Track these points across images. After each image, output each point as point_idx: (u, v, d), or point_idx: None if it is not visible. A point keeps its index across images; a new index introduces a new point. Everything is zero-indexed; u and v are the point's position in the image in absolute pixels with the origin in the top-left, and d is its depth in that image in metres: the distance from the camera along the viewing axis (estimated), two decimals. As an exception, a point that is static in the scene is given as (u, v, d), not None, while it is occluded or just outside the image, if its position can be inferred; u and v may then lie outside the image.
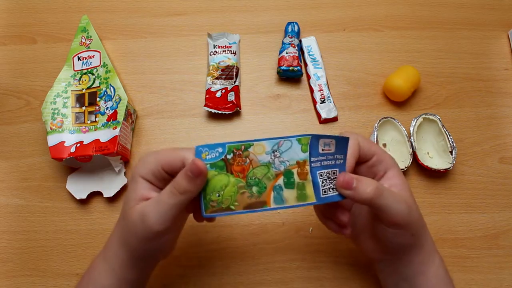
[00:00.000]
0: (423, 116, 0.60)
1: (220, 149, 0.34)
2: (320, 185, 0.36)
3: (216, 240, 0.57)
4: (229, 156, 0.34)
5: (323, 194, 0.36)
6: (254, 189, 0.35)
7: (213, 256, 0.56)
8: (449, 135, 0.59)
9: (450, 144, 0.59)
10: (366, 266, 0.55)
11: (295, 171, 0.35)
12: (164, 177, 0.36)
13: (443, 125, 0.60)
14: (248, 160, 0.34)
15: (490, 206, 0.59)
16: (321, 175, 0.36)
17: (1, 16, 0.70)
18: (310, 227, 0.57)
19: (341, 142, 0.36)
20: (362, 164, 0.39)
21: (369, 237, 0.41)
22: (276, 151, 0.35)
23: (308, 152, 0.35)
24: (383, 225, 0.37)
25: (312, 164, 0.36)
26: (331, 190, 0.36)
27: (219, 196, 0.34)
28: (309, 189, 0.35)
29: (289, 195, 0.35)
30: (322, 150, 0.36)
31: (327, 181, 0.36)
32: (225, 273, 0.55)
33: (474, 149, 0.62)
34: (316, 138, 0.35)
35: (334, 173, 0.36)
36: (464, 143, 0.63)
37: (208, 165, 0.34)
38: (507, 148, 0.63)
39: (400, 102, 0.65)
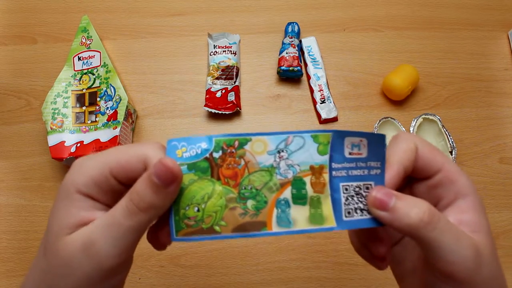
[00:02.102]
0: (423, 116, 0.60)
1: (204, 144, 0.24)
2: (343, 203, 0.26)
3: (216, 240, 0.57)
4: (216, 155, 0.24)
5: (346, 216, 0.25)
6: (250, 203, 0.25)
7: (213, 256, 0.56)
8: (449, 135, 0.59)
9: (450, 144, 0.59)
10: (366, 266, 0.55)
11: (307, 179, 0.25)
12: (114, 188, 0.24)
13: (443, 125, 0.60)
14: (243, 162, 0.25)
15: (490, 206, 0.59)
16: (346, 189, 0.26)
17: (1, 16, 0.70)
18: (310, 227, 0.57)
19: (376, 142, 0.26)
20: (420, 182, 0.27)
21: (417, 285, 0.28)
22: (282, 151, 0.25)
23: (328, 155, 0.26)
24: (432, 274, 0.25)
25: (334, 173, 0.26)
26: (359, 211, 0.26)
27: (198, 211, 0.24)
28: (327, 208, 0.25)
29: (299, 214, 0.25)
30: (350, 153, 0.26)
31: (355, 198, 0.26)
32: (225, 273, 0.55)
33: (474, 149, 0.62)
34: (340, 135, 0.25)
35: (367, 188, 0.26)
36: (464, 143, 0.63)
37: (185, 166, 0.24)
38: (507, 148, 0.63)
39: (400, 102, 0.65)
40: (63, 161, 0.55)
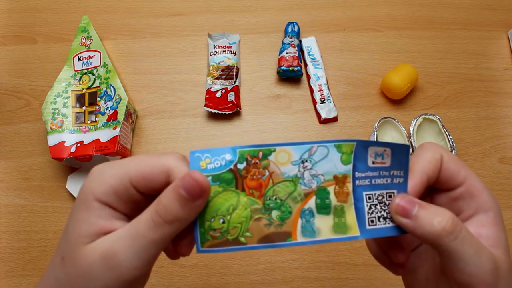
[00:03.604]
0: (423, 116, 0.60)
1: (228, 156, 0.24)
2: (366, 212, 0.26)
3: (216, 240, 0.57)
4: (240, 166, 0.25)
5: (369, 225, 0.26)
6: (275, 214, 0.25)
7: (213, 256, 0.56)
8: (449, 135, 0.59)
9: (450, 144, 0.59)
10: (366, 266, 0.55)
11: (331, 189, 0.26)
12: (134, 198, 0.24)
13: (443, 125, 0.60)
14: (267, 173, 0.25)
15: (490, 206, 0.59)
16: (369, 198, 0.26)
17: (1, 16, 0.70)
18: (310, 227, 0.57)
19: (400, 152, 0.26)
20: (441, 192, 0.27)
21: None
22: (306, 161, 0.25)
23: (352, 164, 0.26)
24: (448, 284, 0.25)
25: (357, 182, 0.26)
26: (382, 220, 0.26)
27: (224, 222, 0.25)
28: (351, 217, 0.26)
29: (323, 224, 0.25)
30: (373, 163, 0.26)
31: (378, 206, 0.26)
32: (225, 273, 0.55)
33: (474, 149, 0.62)
34: (363, 145, 0.26)
35: (390, 196, 0.26)
36: (464, 143, 0.63)
37: (210, 178, 0.24)
38: (507, 148, 0.63)
39: (400, 102, 0.65)
40: (63, 161, 0.56)
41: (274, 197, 0.25)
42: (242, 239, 0.25)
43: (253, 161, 0.25)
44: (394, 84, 0.61)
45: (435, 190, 0.28)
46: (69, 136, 0.57)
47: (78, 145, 0.56)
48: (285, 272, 0.55)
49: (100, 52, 0.63)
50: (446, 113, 0.64)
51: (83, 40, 0.64)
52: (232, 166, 0.25)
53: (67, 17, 0.70)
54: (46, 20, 0.70)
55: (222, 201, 0.25)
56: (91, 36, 0.64)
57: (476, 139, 0.63)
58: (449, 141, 0.59)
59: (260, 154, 0.25)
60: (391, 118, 0.61)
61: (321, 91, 0.64)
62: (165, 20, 0.70)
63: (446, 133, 0.60)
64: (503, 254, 0.25)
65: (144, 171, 0.23)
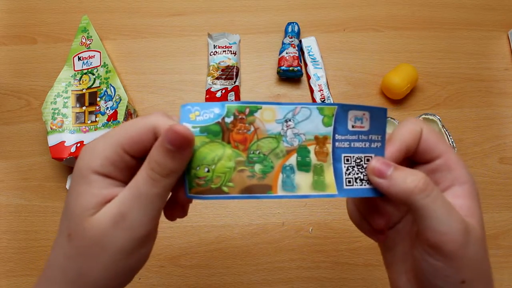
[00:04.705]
0: (423, 116, 0.60)
1: (216, 110, 0.26)
2: (344, 172, 0.27)
3: (216, 240, 0.57)
4: (228, 120, 0.26)
5: (347, 185, 0.27)
6: (257, 167, 0.26)
7: (213, 256, 0.56)
8: (449, 135, 0.59)
9: (450, 144, 0.59)
10: (366, 266, 0.55)
11: (312, 148, 0.27)
12: (129, 164, 0.25)
13: (443, 125, 0.60)
14: (252, 128, 0.26)
15: (490, 206, 0.59)
16: (347, 160, 0.28)
17: (1, 16, 0.70)
18: (310, 227, 0.57)
19: (377, 115, 0.27)
20: (420, 166, 0.28)
21: (406, 271, 0.29)
22: (289, 120, 0.27)
23: (332, 127, 0.27)
24: (421, 247, 0.26)
25: (337, 144, 0.27)
26: (358, 181, 0.27)
27: (208, 171, 0.26)
28: (329, 176, 0.27)
29: (303, 180, 0.27)
30: (353, 126, 0.27)
31: (356, 168, 0.28)
32: (225, 273, 0.55)
33: (474, 149, 0.62)
34: (344, 108, 0.27)
35: (367, 159, 0.28)
36: (464, 143, 0.63)
37: (198, 129, 0.25)
38: (507, 148, 0.63)
39: (400, 102, 0.65)
40: (63, 161, 0.56)
41: (257, 152, 0.27)
42: (225, 189, 0.26)
43: (240, 116, 0.26)
44: (394, 84, 0.61)
45: (414, 164, 0.29)
46: (69, 136, 0.57)
47: (78, 145, 0.56)
48: (285, 272, 0.55)
49: (100, 52, 0.63)
50: (446, 113, 0.64)
51: (83, 40, 0.64)
52: (220, 119, 0.26)
53: (67, 17, 0.70)
54: (46, 20, 0.70)
55: (208, 151, 0.26)
56: (91, 36, 0.64)
57: (476, 139, 0.63)
58: (449, 141, 0.59)
59: (247, 110, 0.26)
60: (391, 118, 0.61)
61: (321, 91, 0.64)
62: (165, 20, 0.70)
63: (446, 133, 0.60)
64: (477, 223, 0.26)
65: (133, 135, 0.24)
